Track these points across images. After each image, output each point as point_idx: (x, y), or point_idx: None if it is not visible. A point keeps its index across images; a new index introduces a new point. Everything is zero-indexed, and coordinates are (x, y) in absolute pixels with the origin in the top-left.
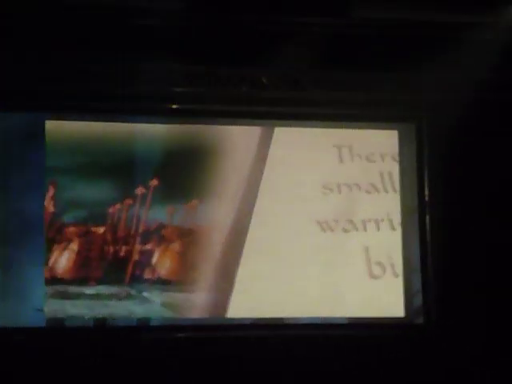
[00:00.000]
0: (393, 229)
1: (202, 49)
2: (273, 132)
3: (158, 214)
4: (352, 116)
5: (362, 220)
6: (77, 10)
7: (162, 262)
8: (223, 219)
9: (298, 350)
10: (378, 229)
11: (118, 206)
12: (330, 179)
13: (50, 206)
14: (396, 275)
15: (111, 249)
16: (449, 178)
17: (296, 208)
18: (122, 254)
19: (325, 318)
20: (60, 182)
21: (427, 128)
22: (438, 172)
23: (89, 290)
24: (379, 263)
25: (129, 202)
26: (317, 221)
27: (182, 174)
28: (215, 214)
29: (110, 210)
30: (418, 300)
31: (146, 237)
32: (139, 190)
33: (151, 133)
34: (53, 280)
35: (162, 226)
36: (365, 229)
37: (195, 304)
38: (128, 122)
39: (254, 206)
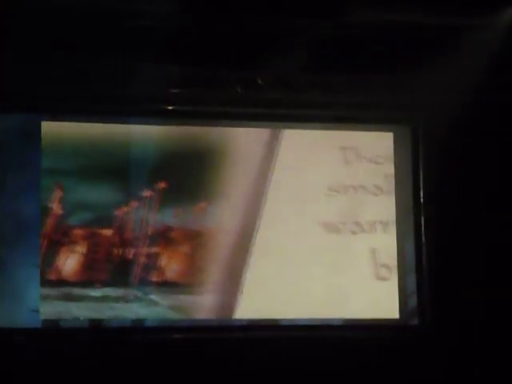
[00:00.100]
0: None
1: (198, 50)
2: (280, 134)
3: (165, 217)
4: (348, 118)
5: (369, 222)
6: (74, 11)
7: (170, 265)
8: (231, 221)
9: (293, 351)
10: (385, 231)
11: (124, 208)
12: (335, 181)
13: (57, 208)
14: None
15: (118, 251)
16: (444, 179)
17: (303, 210)
18: (129, 256)
19: (322, 320)
20: (64, 184)
21: (423, 130)
22: (433, 174)
23: (94, 293)
24: (386, 265)
25: (135, 204)
26: (323, 223)
27: (190, 176)
28: (223, 216)
29: (117, 212)
30: (413, 301)
31: (154, 239)
32: (146, 193)
33: (153, 135)
34: (58, 282)
35: (169, 229)
36: (371, 231)
37: (202, 306)
38: (123, 123)
39: (260, 208)
